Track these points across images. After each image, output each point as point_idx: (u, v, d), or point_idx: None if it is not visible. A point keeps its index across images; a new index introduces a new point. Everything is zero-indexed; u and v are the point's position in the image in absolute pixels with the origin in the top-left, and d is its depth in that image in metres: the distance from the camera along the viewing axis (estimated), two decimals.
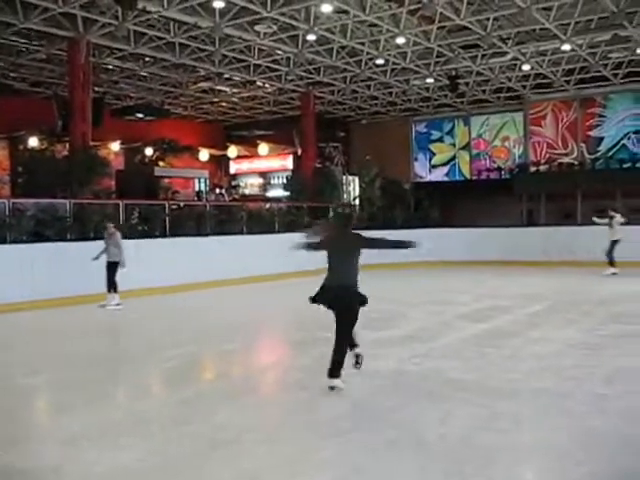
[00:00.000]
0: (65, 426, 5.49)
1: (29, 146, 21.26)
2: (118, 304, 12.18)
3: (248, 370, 5.40)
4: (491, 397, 6.05)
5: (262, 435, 5.15)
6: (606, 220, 16.60)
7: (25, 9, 14.79)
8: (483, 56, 19.47)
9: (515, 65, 20.56)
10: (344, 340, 6.29)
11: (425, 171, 28.36)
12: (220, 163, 28.78)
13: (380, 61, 19.70)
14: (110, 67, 19.86)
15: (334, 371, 6.13)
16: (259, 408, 5.39)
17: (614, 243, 16.33)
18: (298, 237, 8.52)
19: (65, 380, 7.19)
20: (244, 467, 4.54)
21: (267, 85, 22.73)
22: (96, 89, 18.80)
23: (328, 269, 6.52)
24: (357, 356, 6.67)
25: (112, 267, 12.30)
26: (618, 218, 16.56)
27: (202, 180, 26.79)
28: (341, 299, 6.36)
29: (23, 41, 17.06)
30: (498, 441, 4.90)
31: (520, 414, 5.54)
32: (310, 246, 6.86)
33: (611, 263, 16.38)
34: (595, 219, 17.19)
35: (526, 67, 20.58)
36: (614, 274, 16.16)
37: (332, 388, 6.08)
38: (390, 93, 24.28)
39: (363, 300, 6.40)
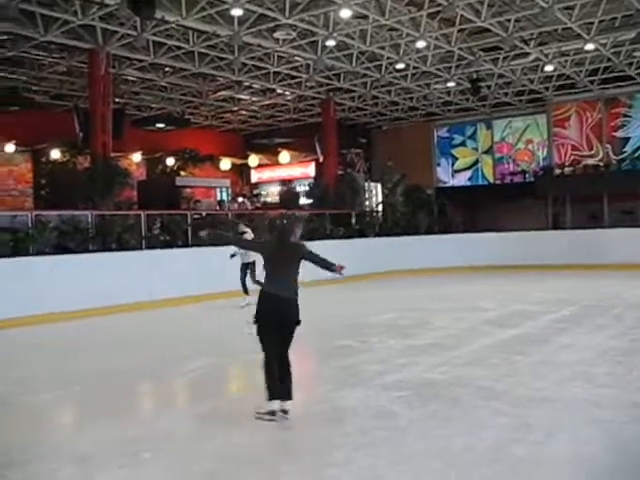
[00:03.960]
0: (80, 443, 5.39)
1: (51, 158, 21.38)
2: (248, 303, 12.11)
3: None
4: (521, 406, 5.85)
5: (285, 448, 5.00)
6: None
7: (45, 23, 14.83)
8: (505, 58, 19.22)
9: (537, 66, 20.28)
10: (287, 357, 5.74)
11: (448, 176, 28.10)
12: (241, 172, 28.75)
13: (400, 66, 19.53)
14: (130, 78, 19.89)
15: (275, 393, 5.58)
16: (281, 423, 5.25)
17: None
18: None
19: (87, 393, 7.09)
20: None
21: (287, 92, 22.65)
22: (117, 100, 18.85)
23: (267, 276, 5.84)
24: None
25: (243, 268, 12.94)
26: None
27: (224, 189, 26.75)
28: (287, 311, 5.73)
29: (44, 54, 17.13)
30: (530, 453, 4.70)
31: (552, 424, 5.34)
32: (241, 241, 6.54)
33: None
34: None
35: (549, 68, 20.29)
36: None
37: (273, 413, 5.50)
38: (411, 98, 24.09)
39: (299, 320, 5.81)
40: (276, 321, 5.65)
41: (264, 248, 6.17)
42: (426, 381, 6.91)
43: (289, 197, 24.12)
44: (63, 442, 5.56)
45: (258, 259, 12.14)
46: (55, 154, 21.28)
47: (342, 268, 5.93)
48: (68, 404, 7.00)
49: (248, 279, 12.99)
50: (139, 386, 7.74)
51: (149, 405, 7.22)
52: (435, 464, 4.59)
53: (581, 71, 20.94)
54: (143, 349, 9.51)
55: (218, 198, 26.27)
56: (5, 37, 15.84)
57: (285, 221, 5.86)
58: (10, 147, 20.82)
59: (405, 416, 5.72)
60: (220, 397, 6.46)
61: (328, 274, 5.96)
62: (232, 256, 12.70)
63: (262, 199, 27.74)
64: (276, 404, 5.44)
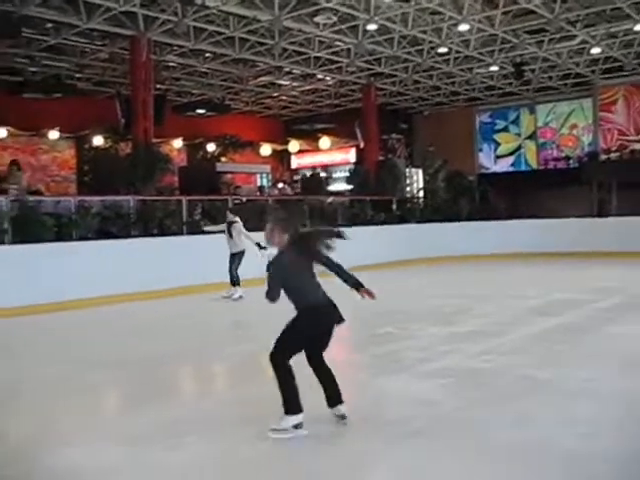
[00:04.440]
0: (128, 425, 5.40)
1: (94, 145, 21.57)
2: (240, 296, 12.26)
3: (304, 367, 5.22)
4: (568, 398, 5.70)
5: (325, 437, 4.94)
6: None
7: (88, 10, 14.92)
8: (550, 41, 18.81)
9: (584, 49, 19.82)
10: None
11: (490, 162, 27.70)
12: (281, 158, 28.71)
13: (442, 50, 19.25)
14: (171, 64, 19.95)
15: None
16: (321, 409, 5.18)
17: None
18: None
19: (129, 377, 7.13)
20: (307, 469, 4.37)
21: (327, 78, 22.51)
22: (158, 86, 18.89)
23: (300, 291, 5.21)
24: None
25: (232, 259, 12.46)
26: None
27: (264, 175, 26.78)
28: (335, 315, 5.30)
29: (86, 42, 17.24)
30: (577, 446, 4.57)
31: (601, 417, 5.18)
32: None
33: None
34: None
35: (595, 51, 19.82)
36: None
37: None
38: (453, 83, 23.77)
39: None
40: (327, 329, 5.28)
41: (283, 270, 5.12)
42: (469, 369, 6.78)
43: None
44: (110, 424, 5.58)
45: (249, 248, 12.10)
46: (98, 140, 21.46)
47: (370, 295, 5.49)
48: (114, 387, 7.03)
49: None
50: (181, 371, 7.75)
51: (192, 389, 7.22)
52: (477, 455, 4.48)
53: (629, 53, 20.41)
54: (184, 334, 9.54)
55: (258, 184, 26.31)
56: (49, 25, 15.99)
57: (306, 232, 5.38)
58: (54, 134, 21.05)
59: (447, 405, 5.61)
60: (260, 382, 6.42)
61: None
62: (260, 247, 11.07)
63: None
64: (300, 417, 4.96)
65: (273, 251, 5.20)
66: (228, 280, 12.46)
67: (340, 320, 5.26)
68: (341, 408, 5.11)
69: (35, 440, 5.14)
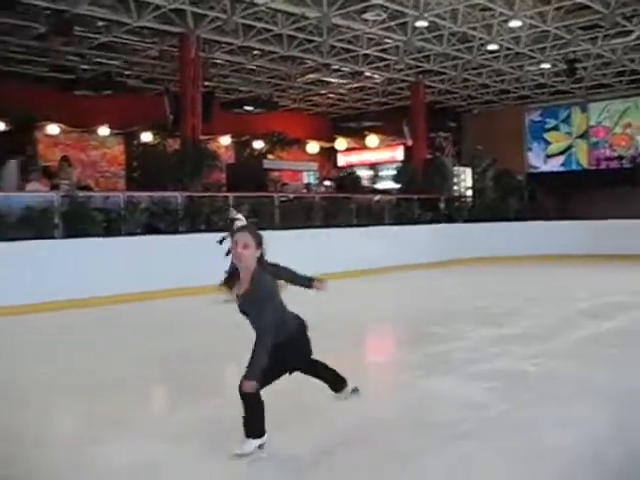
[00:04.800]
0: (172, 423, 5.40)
1: (142, 141, 21.80)
2: None
3: (356, 367, 5.14)
4: (622, 404, 5.54)
5: (370, 437, 4.87)
6: None
7: (138, 8, 15.07)
8: (604, 37, 18.35)
9: None
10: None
11: (540, 161, 27.22)
12: (328, 155, 28.64)
13: (492, 47, 18.95)
14: (219, 61, 20.02)
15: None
16: (370, 409, 5.12)
17: None
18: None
19: (173, 372, 7.15)
20: (360, 465, 4.30)
21: (376, 75, 22.37)
22: (206, 84, 18.97)
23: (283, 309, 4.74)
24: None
25: None
26: None
27: (311, 172, 26.74)
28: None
29: (136, 39, 17.40)
30: (628, 452, 4.42)
31: None
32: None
33: None
34: None
35: None
36: None
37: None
38: (502, 80, 23.41)
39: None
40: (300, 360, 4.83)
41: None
42: (518, 372, 6.64)
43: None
44: (153, 420, 5.60)
45: None
46: (146, 137, 21.68)
47: (321, 285, 5.19)
48: (156, 382, 7.07)
49: None
50: (222, 366, 7.75)
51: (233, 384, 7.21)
52: (526, 459, 4.37)
53: None
54: (228, 329, 9.54)
55: (305, 181, 26.29)
56: (100, 23, 16.20)
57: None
58: (104, 130, 21.33)
59: (495, 408, 5.50)
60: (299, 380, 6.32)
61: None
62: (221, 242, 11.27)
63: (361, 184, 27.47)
64: (264, 438, 4.46)
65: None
66: None
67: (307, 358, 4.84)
68: (348, 389, 4.98)
69: (68, 437, 5.17)
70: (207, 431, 5.03)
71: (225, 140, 24.24)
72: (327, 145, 27.97)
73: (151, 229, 13.60)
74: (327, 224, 16.86)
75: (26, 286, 10.85)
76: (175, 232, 13.93)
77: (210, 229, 14.57)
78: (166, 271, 12.53)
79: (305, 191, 23.09)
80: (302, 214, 16.96)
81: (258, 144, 25.30)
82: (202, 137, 17.02)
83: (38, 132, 20.07)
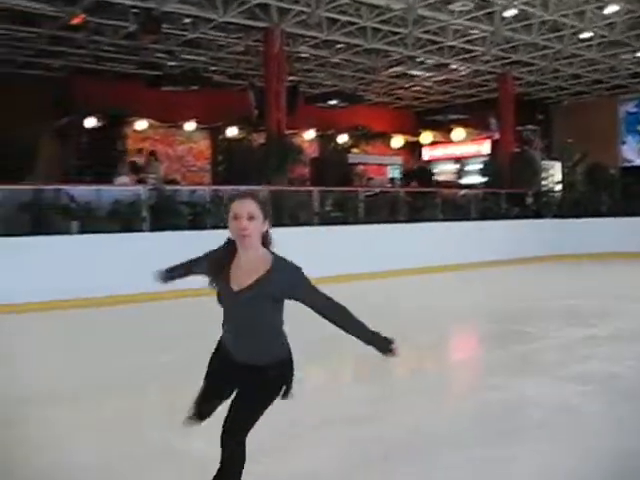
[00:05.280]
0: None
1: (228, 136, 22.05)
2: None
3: (438, 365, 5.00)
4: None
5: (454, 437, 4.71)
6: None
7: (224, 4, 15.22)
8: None
9: None
10: None
11: (634, 154, 26.16)
12: (413, 149, 28.33)
13: (585, 35, 18.28)
14: (303, 55, 20.04)
15: None
16: (450, 409, 4.97)
17: None
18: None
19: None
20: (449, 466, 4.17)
21: (462, 67, 21.95)
22: (290, 78, 19.04)
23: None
24: None
25: None
26: None
27: (395, 167, 26.53)
28: None
29: (222, 35, 17.60)
30: None
31: None
32: None
33: None
34: None
35: None
36: None
37: None
38: (595, 70, 22.58)
39: None
40: None
41: None
42: (611, 375, 6.33)
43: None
44: None
45: None
46: (232, 131, 21.92)
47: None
48: None
49: None
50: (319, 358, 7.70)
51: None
52: (624, 467, 4.13)
53: None
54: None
55: (389, 176, 26.09)
56: (187, 20, 16.45)
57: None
58: (191, 125, 21.66)
59: (588, 412, 5.25)
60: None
61: None
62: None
63: (434, 178, 27.21)
64: None
65: None
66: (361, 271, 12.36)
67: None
68: None
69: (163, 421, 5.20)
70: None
71: (309, 134, 24.25)
72: (412, 139, 27.65)
73: None
74: (412, 219, 16.67)
75: (118, 277, 11.05)
76: None
77: (295, 223, 14.63)
78: None
79: (390, 186, 22.92)
80: (386, 208, 16.84)
81: (342, 138, 25.24)
82: (287, 131, 17.07)
83: (127, 127, 20.55)
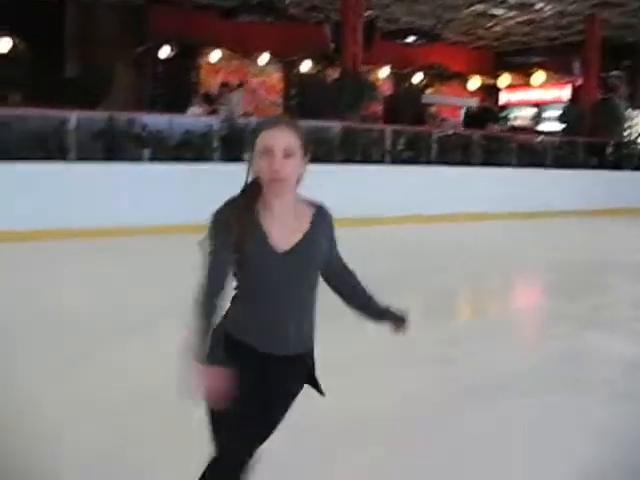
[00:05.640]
0: None
1: (302, 70, 21.76)
2: None
3: (505, 312, 4.89)
4: None
5: (516, 385, 4.61)
6: None
7: None
8: None
9: None
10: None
11: None
12: (490, 92, 27.51)
13: None
14: None
15: None
16: (516, 355, 4.84)
17: None
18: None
19: None
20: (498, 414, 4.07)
21: (546, 7, 21.01)
22: (367, 12, 18.54)
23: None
24: None
25: None
26: None
27: (471, 109, 25.84)
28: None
29: None
30: None
31: None
32: None
33: None
34: None
35: None
36: None
37: None
38: None
39: None
40: None
41: None
42: None
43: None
44: None
45: None
46: (306, 65, 21.61)
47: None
48: None
49: None
50: None
51: None
52: None
53: None
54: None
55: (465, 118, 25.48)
56: None
57: None
58: (264, 58, 21.42)
59: None
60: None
61: None
62: None
63: (510, 122, 26.47)
64: None
65: None
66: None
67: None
68: None
69: None
70: None
71: (384, 72, 23.74)
72: (489, 81, 26.83)
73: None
74: (485, 162, 16.30)
75: (187, 206, 11.10)
76: (330, 162, 13.85)
77: (366, 160, 14.48)
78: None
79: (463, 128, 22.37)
80: (460, 151, 16.50)
81: (417, 77, 24.65)
82: (362, 68, 16.73)
83: (200, 59, 20.45)
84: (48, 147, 10.75)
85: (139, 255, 9.39)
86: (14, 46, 16.69)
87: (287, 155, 2.30)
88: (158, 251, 9.65)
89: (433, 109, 23.58)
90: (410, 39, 22.52)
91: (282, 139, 2.31)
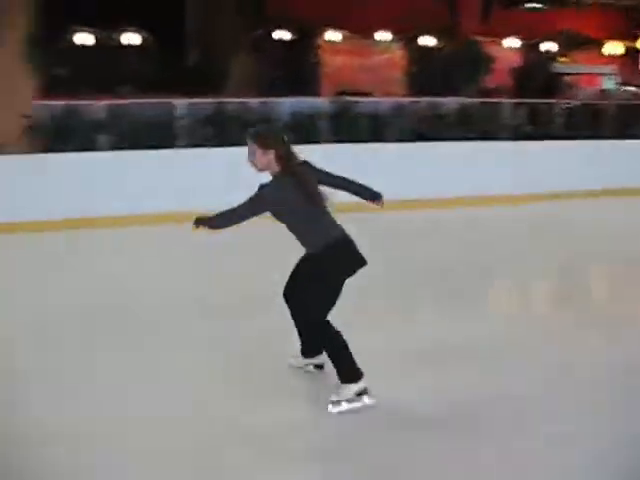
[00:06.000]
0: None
1: (422, 45, 21.22)
2: None
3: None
4: None
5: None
6: None
7: None
8: None
9: None
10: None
11: None
12: (630, 56, 25.74)
13: None
14: None
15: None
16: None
17: None
18: None
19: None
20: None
21: None
22: None
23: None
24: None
25: None
26: None
27: (610, 77, 24.32)
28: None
29: None
30: None
31: None
32: None
33: None
34: None
35: None
36: None
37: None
38: None
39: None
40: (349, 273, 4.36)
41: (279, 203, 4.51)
42: None
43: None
44: None
45: None
46: (426, 40, 21.06)
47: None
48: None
49: None
50: None
51: None
52: None
53: None
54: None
55: (603, 87, 24.03)
56: None
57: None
58: (385, 35, 21.07)
59: None
60: None
61: None
62: None
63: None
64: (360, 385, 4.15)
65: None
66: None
67: (362, 263, 4.32)
68: (321, 356, 4.59)
69: None
70: None
71: (509, 42, 22.77)
72: (629, 45, 25.09)
73: (416, 135, 13.28)
74: (620, 134, 15.25)
75: None
76: (444, 139, 13.43)
77: (483, 137, 13.94)
78: (429, 180, 12.17)
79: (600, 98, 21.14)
80: (589, 123, 15.57)
81: (547, 46, 23.43)
82: (482, 39, 16.16)
83: (320, 39, 20.36)
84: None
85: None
86: (144, 40, 17.27)
87: (251, 155, 4.45)
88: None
89: (568, 79, 22.39)
90: (535, 5, 21.50)
91: (248, 148, 4.46)
